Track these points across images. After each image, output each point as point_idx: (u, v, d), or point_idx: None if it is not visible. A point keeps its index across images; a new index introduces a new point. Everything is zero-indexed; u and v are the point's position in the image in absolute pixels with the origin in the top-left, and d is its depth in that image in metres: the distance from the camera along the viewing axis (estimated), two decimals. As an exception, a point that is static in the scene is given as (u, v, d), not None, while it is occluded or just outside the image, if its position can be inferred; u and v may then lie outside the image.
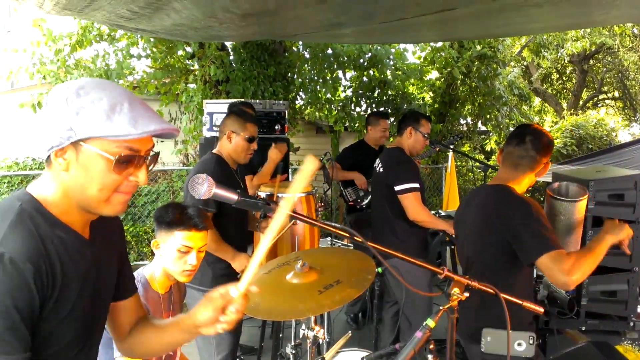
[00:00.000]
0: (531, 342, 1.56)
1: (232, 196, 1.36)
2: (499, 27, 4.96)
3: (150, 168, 1.27)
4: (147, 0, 3.16)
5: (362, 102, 9.20)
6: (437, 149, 5.63)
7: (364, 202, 4.77)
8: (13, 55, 7.31)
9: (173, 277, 2.26)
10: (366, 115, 5.39)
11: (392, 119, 9.26)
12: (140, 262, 7.35)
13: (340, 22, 4.05)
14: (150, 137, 1.22)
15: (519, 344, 1.55)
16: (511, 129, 10.28)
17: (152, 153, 1.25)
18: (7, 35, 14.42)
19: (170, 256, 2.20)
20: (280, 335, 3.51)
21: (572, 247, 2.46)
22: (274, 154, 3.78)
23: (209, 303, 1.34)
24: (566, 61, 16.53)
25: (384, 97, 9.05)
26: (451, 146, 5.55)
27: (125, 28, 5.04)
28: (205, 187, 1.33)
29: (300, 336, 2.20)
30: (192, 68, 8.13)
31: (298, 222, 3.24)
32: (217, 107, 5.08)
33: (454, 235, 3.85)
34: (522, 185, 2.40)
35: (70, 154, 1.18)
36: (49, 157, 1.20)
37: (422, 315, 3.64)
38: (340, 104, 9.34)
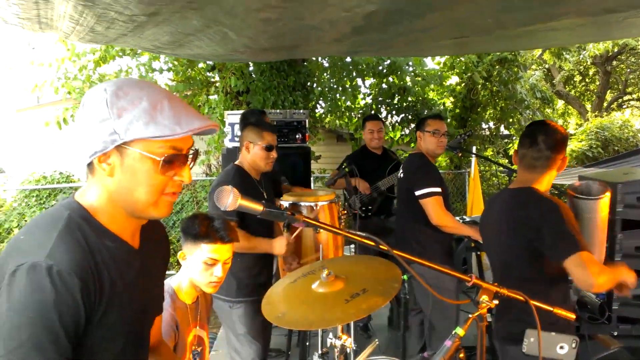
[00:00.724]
0: (574, 345, 1.52)
1: (257, 207, 1.37)
2: (514, 46, 4.97)
3: (191, 167, 1.25)
4: (170, 39, 3.24)
5: (382, 109, 9.18)
6: (460, 154, 5.55)
7: (370, 209, 4.71)
8: (38, 71, 7.49)
9: (200, 287, 2.28)
10: None
11: (412, 126, 9.24)
12: (167, 273, 7.42)
13: (357, 50, 4.11)
14: (191, 135, 1.20)
15: (562, 347, 1.51)
16: (535, 132, 10.13)
17: (191, 151, 1.24)
18: (32, 51, 14.78)
19: (197, 268, 2.21)
20: (307, 344, 3.50)
21: (597, 247, 2.40)
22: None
23: None
24: (589, 63, 16.28)
25: (404, 104, 9.02)
26: (473, 150, 5.48)
27: (148, 51, 5.15)
28: (230, 199, 1.34)
29: (328, 345, 2.19)
30: (212, 80, 8.23)
31: (320, 230, 3.26)
32: (239, 118, 5.12)
33: (480, 241, 3.81)
34: (543, 184, 2.35)
35: (114, 158, 1.16)
36: (91, 163, 1.18)
37: (449, 322, 3.61)
38: (360, 111, 9.33)
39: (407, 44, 3.72)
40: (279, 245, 3.04)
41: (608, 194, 2.37)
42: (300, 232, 3.24)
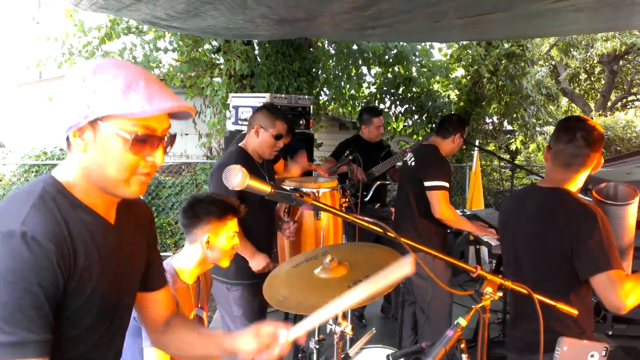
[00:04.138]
0: (604, 353, 1.50)
1: (265, 188, 1.36)
2: (531, 29, 4.89)
3: (167, 150, 1.26)
4: (185, 7, 3.19)
5: (386, 99, 9.15)
6: (464, 147, 5.53)
7: (365, 194, 4.66)
8: (42, 46, 7.44)
9: (204, 267, 2.29)
10: (359, 112, 5.32)
11: (415, 117, 9.21)
12: (164, 254, 7.44)
13: (376, 25, 4.04)
14: (167, 117, 1.22)
15: (592, 355, 1.49)
16: (538, 129, 10.12)
17: (169, 134, 1.24)
18: (36, 26, 14.68)
19: (222, 245, 2.26)
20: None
21: (625, 254, 2.24)
22: (295, 170, 3.74)
23: (256, 336, 1.39)
24: (595, 61, 16.21)
25: (408, 94, 8.99)
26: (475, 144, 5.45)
27: (157, 26, 5.08)
28: (239, 178, 1.32)
29: (327, 331, 2.19)
30: (217, 62, 8.18)
31: (321, 217, 3.27)
32: (243, 101, 5.10)
33: (480, 237, 3.80)
34: (576, 184, 2.22)
35: (88, 134, 1.18)
36: (68, 138, 1.20)
37: (443, 315, 3.62)
38: (364, 100, 9.29)
39: (430, 17, 3.60)
40: (257, 263, 3.03)
41: (637, 198, 2.21)
42: (301, 218, 3.24)
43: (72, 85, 1.17)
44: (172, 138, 1.26)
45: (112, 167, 1.18)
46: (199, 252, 2.25)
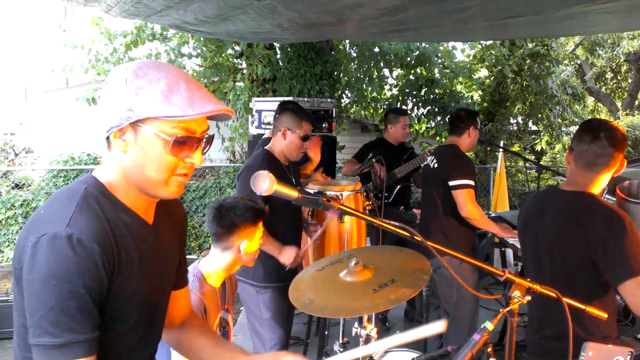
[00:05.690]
0: (629, 358, 1.48)
1: (292, 193, 1.37)
2: (558, 29, 4.81)
3: (205, 150, 1.27)
4: (216, 12, 3.21)
5: (409, 101, 9.10)
6: (489, 148, 5.48)
7: (387, 196, 4.64)
8: (68, 53, 7.58)
9: (231, 270, 2.33)
10: (384, 113, 5.32)
11: (438, 118, 9.15)
12: (188, 257, 7.51)
13: (403, 29, 4.03)
14: (206, 118, 1.23)
15: None
16: (564, 129, 9.96)
17: (207, 135, 1.26)
18: (63, 34, 14.98)
19: (254, 248, 2.33)
20: (326, 333, 3.51)
21: None
22: (314, 155, 3.85)
23: None
24: (622, 60, 15.89)
25: (431, 96, 8.93)
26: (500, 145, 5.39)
27: (184, 30, 5.13)
28: (267, 184, 1.34)
29: (353, 334, 2.20)
30: (240, 67, 8.24)
31: (345, 220, 3.26)
32: (266, 105, 5.12)
33: (505, 239, 3.76)
34: (599, 186, 2.19)
35: (129, 135, 1.20)
36: (108, 138, 1.22)
37: (469, 318, 3.59)
38: (386, 102, 9.27)
39: (459, 22, 3.57)
40: (287, 256, 3.03)
41: None
42: (326, 222, 3.24)
43: (114, 87, 1.19)
44: (210, 139, 1.28)
45: (152, 168, 1.21)
46: (231, 256, 2.28)
